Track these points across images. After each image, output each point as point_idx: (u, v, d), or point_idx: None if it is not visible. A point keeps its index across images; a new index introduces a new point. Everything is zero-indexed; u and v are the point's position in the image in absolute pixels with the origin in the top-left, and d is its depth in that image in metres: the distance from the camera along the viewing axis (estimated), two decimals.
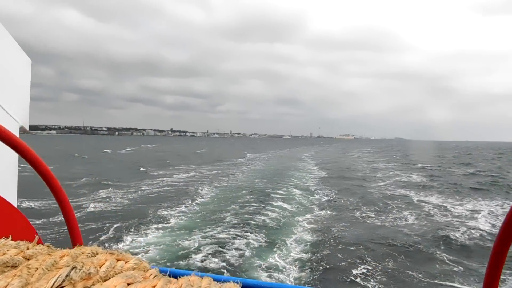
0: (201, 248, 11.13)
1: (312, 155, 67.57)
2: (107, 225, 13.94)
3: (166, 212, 16.15)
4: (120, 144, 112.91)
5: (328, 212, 16.96)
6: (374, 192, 22.94)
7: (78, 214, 16.39)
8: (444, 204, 19.32)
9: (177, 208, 16.95)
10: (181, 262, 9.97)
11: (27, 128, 2.04)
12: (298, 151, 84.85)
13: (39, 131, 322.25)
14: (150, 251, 10.92)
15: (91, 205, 17.60)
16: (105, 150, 77.06)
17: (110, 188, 23.08)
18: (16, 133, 1.89)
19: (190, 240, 11.98)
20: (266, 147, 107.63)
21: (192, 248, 11.10)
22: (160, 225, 13.92)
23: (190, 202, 18.67)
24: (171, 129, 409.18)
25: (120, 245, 11.48)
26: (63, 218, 1.25)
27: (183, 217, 15.43)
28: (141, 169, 36.15)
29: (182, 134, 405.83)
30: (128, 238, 12.17)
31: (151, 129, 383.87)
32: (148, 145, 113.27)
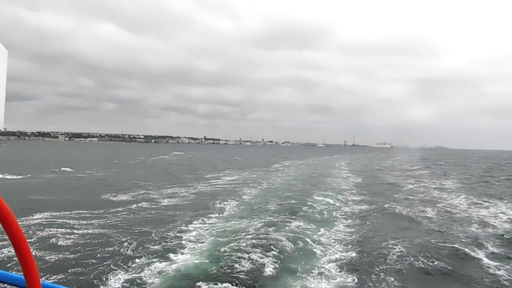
0: (251, 232, 14.67)
1: (348, 163, 69.73)
2: (178, 213, 17.78)
3: (221, 205, 19.89)
4: (162, 150, 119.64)
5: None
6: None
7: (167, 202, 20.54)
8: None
9: (228, 203, 20.61)
10: (236, 237, 13.51)
11: (1, 129, 1.66)
12: (333, 159, 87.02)
13: (82, 139, 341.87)
14: (212, 233, 14.55)
15: (165, 200, 21.84)
16: (159, 156, 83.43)
17: (175, 187, 27.30)
18: None
19: (243, 225, 15.57)
20: (300, 155, 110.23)
21: (243, 233, 14.63)
22: (218, 215, 17.56)
23: (238, 199, 22.40)
24: (205, 137, 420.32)
25: (191, 226, 15.01)
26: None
27: (236, 209, 19.16)
28: (200, 171, 41.27)
29: (215, 142, 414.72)
30: (196, 225, 15.64)
31: (185, 137, 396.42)
32: (190, 152, 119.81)
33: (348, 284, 9.42)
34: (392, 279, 9.78)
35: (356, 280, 9.60)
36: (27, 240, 0.98)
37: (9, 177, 33.20)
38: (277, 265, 10.56)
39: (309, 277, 9.80)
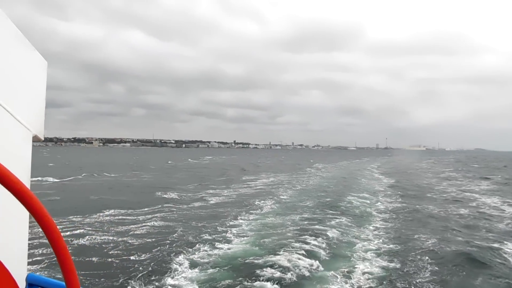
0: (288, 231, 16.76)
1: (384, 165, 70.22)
2: (225, 210, 20.13)
3: (261, 203, 22.09)
4: (194, 155, 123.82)
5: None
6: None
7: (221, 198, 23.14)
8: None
9: (268, 202, 22.76)
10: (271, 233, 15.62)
11: (42, 138, 1.79)
12: (364, 163, 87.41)
13: (115, 144, 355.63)
14: (254, 227, 16.74)
15: (213, 198, 24.48)
16: (188, 159, 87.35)
17: (219, 188, 29.88)
18: (28, 143, 1.69)
19: (281, 220, 17.69)
20: (330, 159, 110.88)
21: (282, 227, 16.72)
22: (260, 211, 19.74)
23: (275, 198, 24.59)
24: (234, 141, 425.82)
25: (237, 221, 17.19)
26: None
27: (274, 206, 21.32)
28: (237, 174, 44.23)
29: (245, 146, 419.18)
30: (241, 220, 17.75)
31: (215, 141, 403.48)
32: (223, 156, 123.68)
33: (385, 274, 11.26)
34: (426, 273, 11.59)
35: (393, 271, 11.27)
36: (68, 249, 1.01)
37: (79, 177, 37.48)
38: (319, 255, 12.60)
39: (347, 269, 10.88)
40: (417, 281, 10.10)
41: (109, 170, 50.28)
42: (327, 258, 12.04)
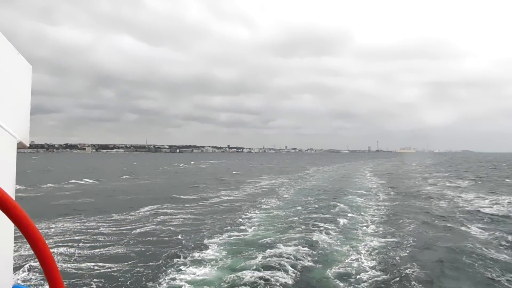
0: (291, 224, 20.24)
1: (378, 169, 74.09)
2: (235, 207, 23.52)
3: (266, 200, 25.50)
4: (191, 160, 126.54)
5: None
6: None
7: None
8: None
9: (272, 200, 26.17)
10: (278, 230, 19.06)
11: (27, 144, 1.72)
12: (359, 165, 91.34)
13: (108, 150, 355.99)
14: (260, 220, 20.18)
15: (225, 197, 27.91)
16: (191, 162, 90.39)
17: (225, 189, 33.28)
18: (12, 150, 1.63)
19: (283, 213, 21.17)
20: (326, 161, 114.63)
21: (281, 224, 20.18)
22: (265, 206, 23.13)
23: (278, 197, 28.10)
24: (228, 145, 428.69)
25: (249, 214, 20.53)
26: None
27: (278, 203, 24.75)
28: (238, 177, 46.81)
29: (239, 150, 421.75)
30: (256, 210, 21.15)
31: (209, 146, 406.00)
32: (220, 161, 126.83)
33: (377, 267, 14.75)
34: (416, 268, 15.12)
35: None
36: (53, 254, 0.99)
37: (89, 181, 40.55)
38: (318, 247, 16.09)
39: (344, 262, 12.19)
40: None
41: (138, 174, 53.25)
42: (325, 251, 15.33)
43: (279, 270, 11.13)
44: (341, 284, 10.18)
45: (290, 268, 11.30)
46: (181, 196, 28.38)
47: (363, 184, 37.97)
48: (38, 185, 36.49)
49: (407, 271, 11.15)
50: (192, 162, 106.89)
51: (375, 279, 10.57)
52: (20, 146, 1.70)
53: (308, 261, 12.11)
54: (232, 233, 15.95)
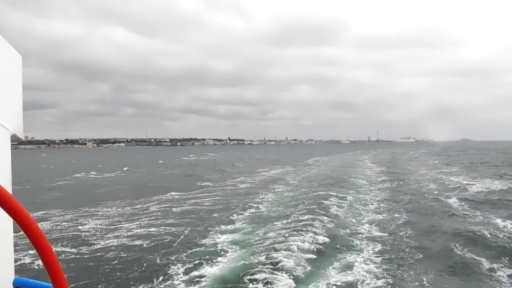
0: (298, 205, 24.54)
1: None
2: (252, 197, 27.79)
3: (276, 186, 29.77)
4: (197, 152, 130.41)
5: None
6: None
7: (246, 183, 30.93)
8: None
9: (280, 185, 30.46)
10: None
11: (22, 137, 1.71)
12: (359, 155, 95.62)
13: (110, 144, 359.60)
14: (272, 200, 24.46)
15: (243, 184, 32.24)
16: (198, 154, 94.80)
17: (241, 176, 37.62)
18: (6, 143, 1.63)
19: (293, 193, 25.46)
20: (326, 151, 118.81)
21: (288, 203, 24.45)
22: (278, 188, 27.41)
23: (286, 182, 32.42)
24: (229, 138, 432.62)
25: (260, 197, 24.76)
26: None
27: (288, 187, 29.02)
28: (250, 167, 51.32)
29: (240, 142, 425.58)
30: (268, 192, 25.40)
31: (210, 139, 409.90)
32: (223, 152, 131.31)
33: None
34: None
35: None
36: (53, 249, 1.00)
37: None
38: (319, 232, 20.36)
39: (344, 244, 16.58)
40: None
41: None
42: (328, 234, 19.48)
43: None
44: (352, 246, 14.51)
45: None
46: (209, 183, 32.82)
47: (363, 171, 42.35)
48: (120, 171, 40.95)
49: (401, 233, 15.47)
50: (199, 154, 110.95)
51: (378, 237, 14.93)
52: (14, 139, 1.70)
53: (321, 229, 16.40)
54: (251, 210, 20.26)
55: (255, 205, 21.40)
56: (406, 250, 12.48)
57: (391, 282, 9.79)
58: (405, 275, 10.31)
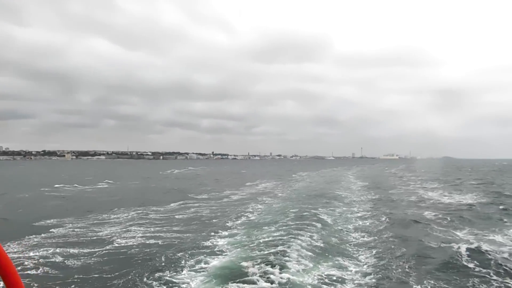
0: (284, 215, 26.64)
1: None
2: (245, 207, 29.71)
3: (264, 199, 31.74)
4: (180, 166, 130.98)
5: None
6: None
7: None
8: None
9: (268, 198, 32.46)
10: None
11: None
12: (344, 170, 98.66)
13: (89, 157, 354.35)
14: (259, 211, 26.48)
15: (234, 196, 34.09)
16: (181, 168, 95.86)
17: (231, 190, 39.44)
18: None
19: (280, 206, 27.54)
20: (311, 167, 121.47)
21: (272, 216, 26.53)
22: (267, 199, 29.38)
23: (273, 196, 34.50)
24: (213, 152, 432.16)
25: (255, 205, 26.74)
26: None
27: (276, 200, 31.05)
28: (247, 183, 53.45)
29: (224, 157, 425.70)
30: (257, 203, 27.34)
31: (193, 153, 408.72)
32: (209, 167, 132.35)
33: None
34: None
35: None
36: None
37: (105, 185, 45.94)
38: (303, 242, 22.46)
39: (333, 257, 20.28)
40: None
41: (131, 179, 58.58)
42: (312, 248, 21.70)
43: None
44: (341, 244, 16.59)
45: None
46: (196, 196, 34.48)
47: (347, 186, 44.81)
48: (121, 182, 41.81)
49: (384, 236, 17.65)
50: (183, 168, 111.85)
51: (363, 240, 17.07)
52: None
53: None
54: (243, 218, 22.04)
55: (247, 215, 23.30)
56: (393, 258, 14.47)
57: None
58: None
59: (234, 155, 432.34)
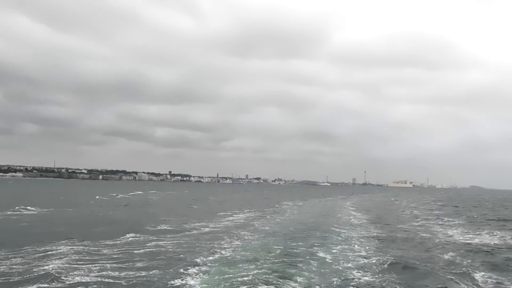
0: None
1: None
2: (218, 242, 31.71)
3: (243, 233, 33.73)
4: (130, 189, 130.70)
5: None
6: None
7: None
8: None
9: (249, 233, 34.49)
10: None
11: None
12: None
13: (2, 174, 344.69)
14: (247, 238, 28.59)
15: (204, 228, 36.06)
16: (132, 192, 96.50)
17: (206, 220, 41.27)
18: None
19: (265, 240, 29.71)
20: (297, 196, 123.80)
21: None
22: (249, 233, 31.44)
23: (254, 230, 36.68)
24: (170, 172, 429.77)
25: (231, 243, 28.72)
26: None
27: (261, 234, 33.16)
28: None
29: (185, 178, 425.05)
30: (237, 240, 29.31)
31: (144, 172, 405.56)
32: (154, 191, 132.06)
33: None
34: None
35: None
36: None
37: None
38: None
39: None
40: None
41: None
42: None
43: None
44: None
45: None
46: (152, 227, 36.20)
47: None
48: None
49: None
50: (130, 192, 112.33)
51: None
52: None
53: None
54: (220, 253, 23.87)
55: (221, 251, 25.18)
56: None
57: None
58: None
59: (199, 177, 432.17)
